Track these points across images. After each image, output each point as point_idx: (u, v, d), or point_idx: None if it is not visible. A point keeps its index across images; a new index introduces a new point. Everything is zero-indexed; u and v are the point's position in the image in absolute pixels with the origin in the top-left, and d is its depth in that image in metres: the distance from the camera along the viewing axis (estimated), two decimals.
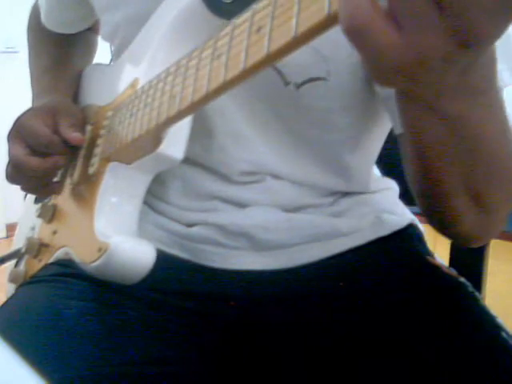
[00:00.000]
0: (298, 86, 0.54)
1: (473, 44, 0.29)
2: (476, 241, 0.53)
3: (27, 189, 0.67)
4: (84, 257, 0.55)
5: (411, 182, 0.50)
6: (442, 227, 0.50)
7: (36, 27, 0.80)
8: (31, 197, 0.79)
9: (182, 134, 0.53)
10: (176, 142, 0.53)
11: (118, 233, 0.54)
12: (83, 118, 0.65)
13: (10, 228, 2.96)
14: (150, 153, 0.53)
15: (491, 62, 0.37)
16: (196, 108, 0.44)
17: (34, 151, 0.61)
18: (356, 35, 0.29)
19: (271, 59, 0.35)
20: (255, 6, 0.38)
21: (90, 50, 0.82)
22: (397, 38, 0.28)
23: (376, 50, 0.29)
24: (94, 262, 0.52)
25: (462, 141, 0.40)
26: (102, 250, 0.51)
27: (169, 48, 0.55)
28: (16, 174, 0.62)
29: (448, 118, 0.38)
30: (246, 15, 0.38)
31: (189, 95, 0.43)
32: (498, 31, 0.29)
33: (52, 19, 0.78)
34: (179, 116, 0.45)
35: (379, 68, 0.31)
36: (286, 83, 0.54)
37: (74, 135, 0.60)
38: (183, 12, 0.53)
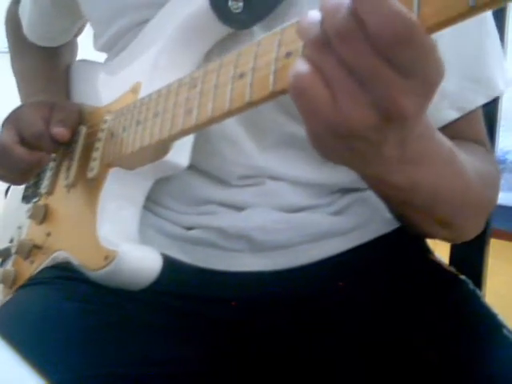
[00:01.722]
0: None
1: (395, 119, 0.32)
2: (456, 241, 0.61)
3: (4, 177, 0.66)
4: (87, 263, 0.54)
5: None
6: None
7: (15, 31, 0.79)
8: (13, 193, 0.78)
9: (188, 142, 0.53)
10: (182, 150, 0.53)
11: (121, 239, 0.54)
12: (79, 115, 0.64)
13: None
14: (156, 160, 0.53)
15: (432, 133, 0.41)
16: (214, 123, 0.44)
17: (24, 142, 0.61)
18: (298, 96, 0.33)
19: None
20: (284, 26, 0.37)
21: (74, 49, 0.82)
22: (332, 107, 0.32)
23: (314, 114, 0.33)
24: (99, 269, 0.52)
25: (417, 198, 0.45)
26: (110, 258, 0.51)
27: (173, 53, 0.54)
28: None
29: (399, 187, 0.42)
30: (272, 36, 0.38)
31: (208, 111, 0.43)
32: (418, 109, 0.33)
33: (34, 33, 0.77)
34: (195, 130, 0.45)
35: (317, 134, 0.34)
36: None
37: (56, 130, 0.60)
38: (191, 18, 0.52)
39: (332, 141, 0.34)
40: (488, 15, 0.58)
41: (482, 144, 0.60)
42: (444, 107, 0.56)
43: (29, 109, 0.62)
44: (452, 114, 0.57)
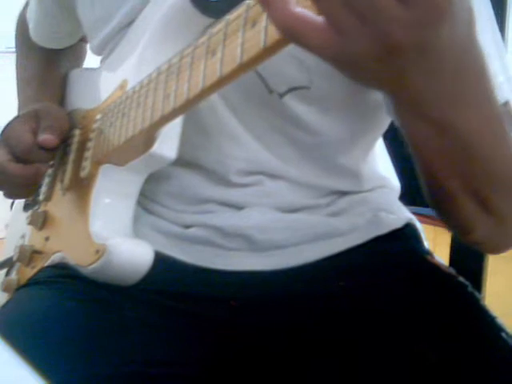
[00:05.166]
0: (282, 95, 0.55)
1: (392, 51, 0.31)
2: (495, 249, 0.53)
3: (10, 195, 0.67)
4: (81, 260, 0.54)
5: (422, 183, 0.49)
6: (460, 234, 0.50)
7: (23, 35, 0.80)
8: (18, 204, 0.78)
9: (175, 133, 0.53)
10: (169, 142, 0.53)
11: (114, 234, 0.54)
12: (68, 121, 0.65)
13: None
14: (143, 153, 0.53)
15: (473, 74, 0.37)
16: (191, 106, 0.44)
17: (18, 158, 0.61)
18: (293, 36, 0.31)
19: (268, 53, 0.36)
20: (249, 2, 0.38)
21: (79, 56, 0.82)
22: (333, 40, 0.31)
23: (315, 48, 0.32)
24: (91, 264, 0.52)
25: (456, 146, 0.40)
26: (100, 252, 0.51)
27: (157, 48, 0.55)
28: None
29: (436, 125, 0.38)
30: (239, 11, 0.39)
31: (184, 93, 0.43)
32: (414, 41, 0.31)
33: (40, 34, 0.77)
34: (174, 114, 0.46)
35: (336, 62, 0.33)
36: (270, 91, 0.55)
37: (43, 137, 0.60)
38: (170, 11, 0.53)
39: (354, 66, 0.33)
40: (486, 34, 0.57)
41: None
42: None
43: (17, 124, 0.63)
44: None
